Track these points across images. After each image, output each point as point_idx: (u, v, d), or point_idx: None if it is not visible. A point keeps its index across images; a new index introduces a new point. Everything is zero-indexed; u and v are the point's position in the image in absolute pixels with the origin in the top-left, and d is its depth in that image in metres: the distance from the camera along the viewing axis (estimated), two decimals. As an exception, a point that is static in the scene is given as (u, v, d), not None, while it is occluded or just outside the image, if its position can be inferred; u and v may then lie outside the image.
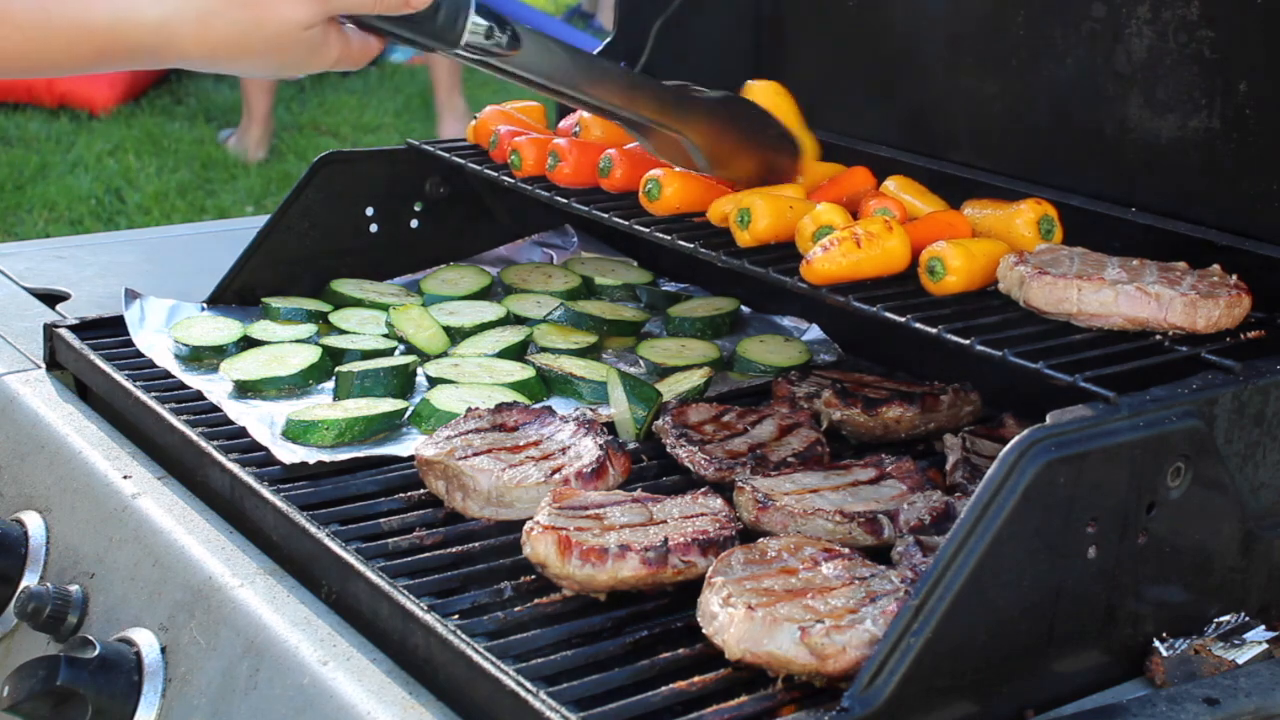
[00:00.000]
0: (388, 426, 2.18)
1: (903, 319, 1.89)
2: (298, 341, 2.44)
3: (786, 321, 2.70)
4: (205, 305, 2.58)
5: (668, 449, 2.12)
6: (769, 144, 2.29)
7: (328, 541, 1.79)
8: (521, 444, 2.02)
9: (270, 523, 1.89)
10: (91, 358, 2.29)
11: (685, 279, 2.87)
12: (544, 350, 2.49)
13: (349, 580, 1.74)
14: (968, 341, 1.82)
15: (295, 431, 2.12)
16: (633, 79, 2.23)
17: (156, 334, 2.44)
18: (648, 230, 2.26)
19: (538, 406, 2.14)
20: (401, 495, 2.00)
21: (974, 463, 2.03)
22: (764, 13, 2.80)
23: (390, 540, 1.87)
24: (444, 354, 2.47)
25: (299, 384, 2.32)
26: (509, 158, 2.53)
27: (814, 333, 2.65)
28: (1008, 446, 1.48)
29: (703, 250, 2.16)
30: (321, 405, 2.21)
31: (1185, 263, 1.96)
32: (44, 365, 2.39)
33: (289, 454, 2.05)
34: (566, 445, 2.03)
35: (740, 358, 2.51)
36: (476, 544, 1.88)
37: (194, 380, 2.29)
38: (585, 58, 2.14)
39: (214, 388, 2.27)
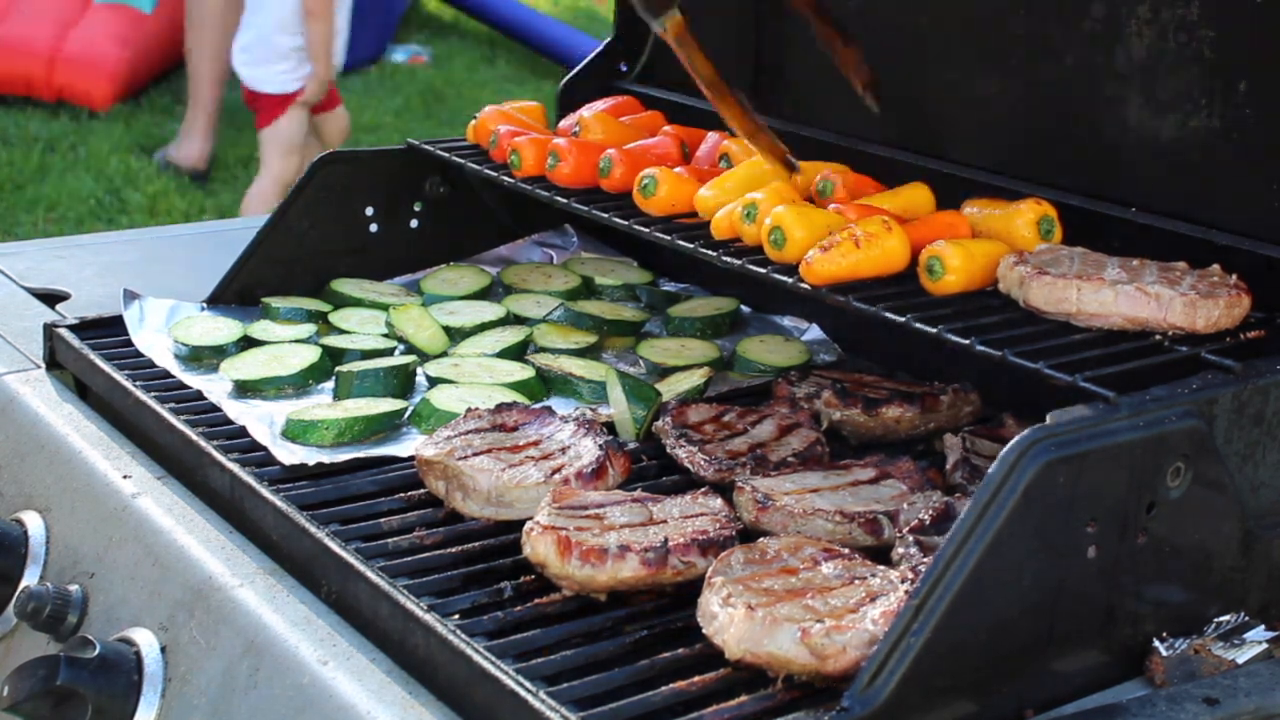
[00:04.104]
0: (388, 426, 2.18)
1: (903, 319, 1.89)
2: (298, 341, 2.44)
3: (786, 321, 2.70)
4: (205, 305, 2.58)
5: (667, 449, 2.12)
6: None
7: (328, 541, 1.79)
8: (521, 444, 2.02)
9: (270, 523, 1.89)
10: (91, 358, 2.29)
11: (685, 279, 2.87)
12: (544, 350, 2.49)
13: (349, 580, 1.74)
14: (968, 341, 1.82)
15: (295, 431, 2.12)
16: None
17: (156, 334, 2.44)
18: (647, 230, 2.26)
19: (538, 406, 2.14)
20: (401, 495, 2.00)
21: (974, 463, 2.03)
22: (764, 13, 2.80)
23: (390, 540, 1.87)
24: (444, 354, 2.47)
25: (299, 384, 2.32)
26: (509, 158, 2.53)
27: (814, 333, 2.65)
28: (1008, 446, 1.48)
29: (703, 250, 2.16)
30: (321, 405, 2.21)
31: (1185, 263, 1.96)
32: (44, 365, 2.39)
33: (289, 454, 2.05)
34: (566, 445, 2.03)
35: (740, 358, 2.51)
36: (476, 544, 1.88)
37: (194, 380, 2.29)
38: None
39: (214, 388, 2.27)
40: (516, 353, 2.47)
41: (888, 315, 1.91)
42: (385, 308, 2.60)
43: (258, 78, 6.51)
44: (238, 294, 2.61)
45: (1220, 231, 2.03)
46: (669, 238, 2.21)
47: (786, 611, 1.56)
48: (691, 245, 2.18)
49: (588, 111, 2.68)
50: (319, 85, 6.60)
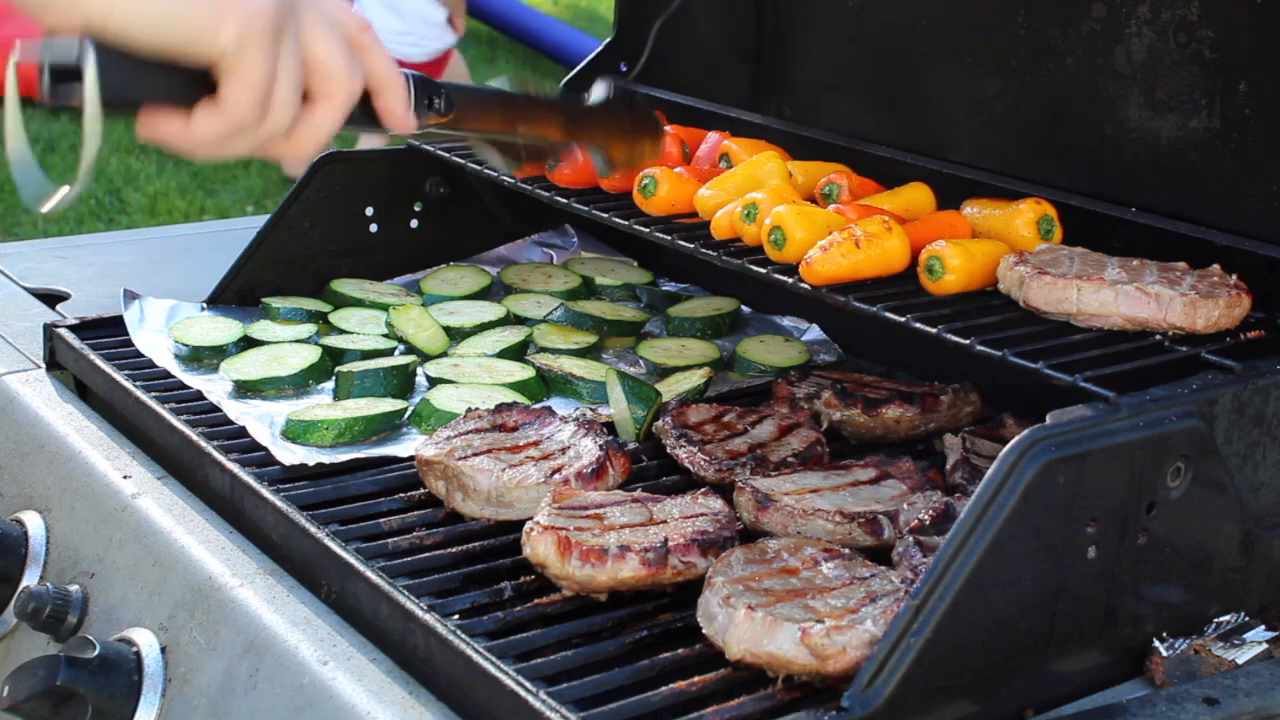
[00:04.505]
0: (388, 426, 2.18)
1: (903, 319, 1.89)
2: (298, 341, 2.44)
3: (786, 321, 2.70)
4: (205, 305, 2.58)
5: (668, 449, 2.12)
6: (643, 131, 2.11)
7: (328, 541, 1.79)
8: (521, 444, 2.02)
9: (270, 523, 1.89)
10: (91, 358, 2.28)
11: (685, 279, 2.87)
12: (544, 350, 2.49)
13: (349, 580, 1.74)
14: (968, 341, 1.82)
15: (295, 431, 2.12)
16: (552, 101, 1.99)
17: (156, 334, 2.44)
18: (647, 230, 2.26)
19: (538, 406, 2.14)
20: (401, 495, 2.00)
21: (974, 463, 2.03)
22: (764, 13, 2.80)
23: (390, 540, 1.87)
24: (444, 354, 2.47)
25: (299, 384, 2.32)
26: (509, 158, 2.53)
27: (814, 333, 2.65)
28: (1008, 446, 1.48)
29: (703, 250, 2.16)
30: (321, 405, 2.21)
31: (1185, 263, 1.96)
32: (44, 365, 2.39)
33: (289, 454, 2.05)
34: (566, 445, 2.03)
35: (740, 358, 2.51)
36: (476, 544, 1.88)
37: (194, 380, 2.29)
38: (510, 96, 1.91)
39: (214, 388, 2.27)
40: (516, 353, 2.47)
41: (888, 315, 1.91)
42: (385, 308, 2.60)
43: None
44: (238, 294, 2.61)
45: (1220, 231, 2.02)
46: (669, 238, 2.21)
47: (786, 612, 1.56)
48: (691, 245, 2.18)
49: (588, 112, 2.68)
50: None
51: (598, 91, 2.04)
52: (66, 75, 1.30)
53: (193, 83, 1.36)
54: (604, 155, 2.05)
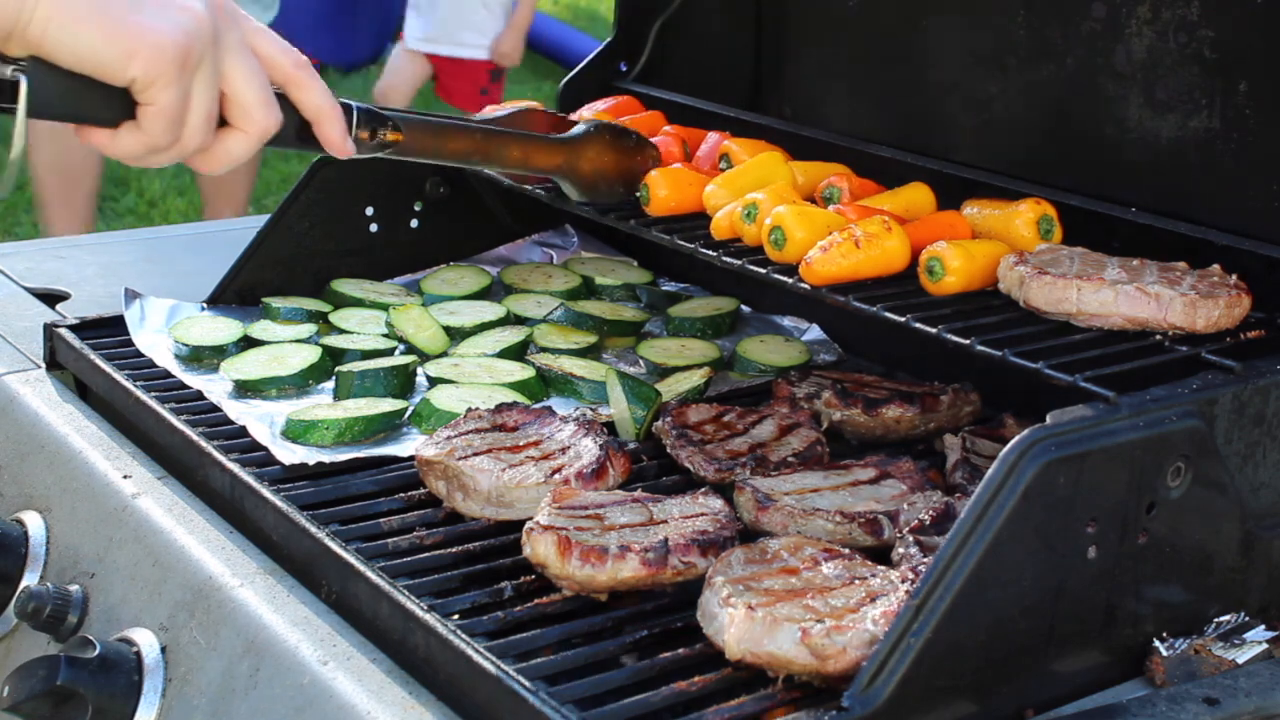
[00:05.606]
0: (388, 426, 2.18)
1: (903, 319, 1.89)
2: (298, 341, 2.44)
3: (786, 321, 2.70)
4: (205, 305, 2.58)
5: (668, 449, 2.12)
6: (631, 155, 2.33)
7: (328, 541, 1.79)
8: (521, 444, 2.02)
9: (270, 523, 1.89)
10: (91, 358, 2.29)
11: (685, 279, 2.87)
12: (544, 350, 2.49)
13: (349, 580, 1.74)
14: (968, 341, 1.82)
15: (295, 431, 2.12)
16: (505, 133, 2.18)
17: (156, 334, 2.44)
18: (648, 230, 2.26)
19: (538, 406, 2.14)
20: (401, 495, 2.00)
21: (974, 463, 2.03)
22: (764, 13, 2.80)
23: (390, 540, 1.87)
24: (444, 354, 2.47)
25: (299, 384, 2.32)
26: (509, 158, 2.53)
27: (814, 333, 2.65)
28: (1008, 446, 1.48)
29: (703, 250, 2.16)
30: (321, 405, 2.22)
31: (1185, 263, 1.96)
32: (44, 365, 2.39)
33: (289, 454, 2.05)
34: (566, 445, 2.03)
35: (740, 358, 2.51)
36: (476, 544, 1.88)
37: (194, 380, 2.29)
38: (468, 127, 2.11)
39: (214, 388, 2.27)
40: (517, 353, 2.47)
41: (888, 315, 1.91)
42: (385, 308, 2.60)
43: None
44: (238, 294, 2.61)
45: (1220, 231, 2.03)
46: (669, 238, 2.21)
47: (786, 611, 1.56)
48: (691, 245, 2.18)
49: (588, 111, 2.68)
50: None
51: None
52: (4, 89, 1.48)
53: (116, 104, 1.51)
54: (573, 182, 2.26)
